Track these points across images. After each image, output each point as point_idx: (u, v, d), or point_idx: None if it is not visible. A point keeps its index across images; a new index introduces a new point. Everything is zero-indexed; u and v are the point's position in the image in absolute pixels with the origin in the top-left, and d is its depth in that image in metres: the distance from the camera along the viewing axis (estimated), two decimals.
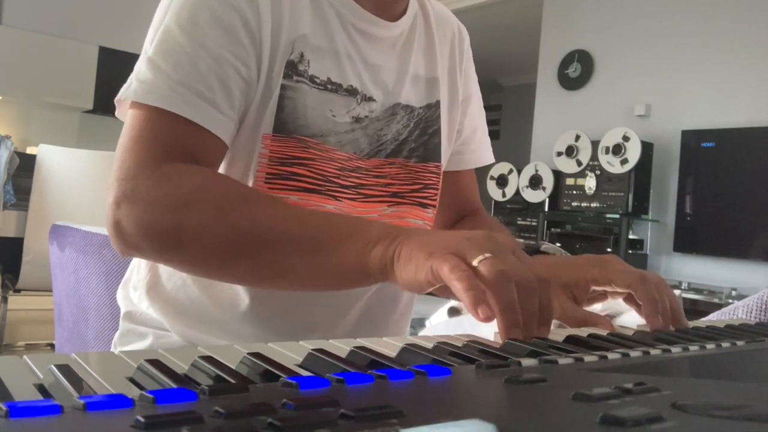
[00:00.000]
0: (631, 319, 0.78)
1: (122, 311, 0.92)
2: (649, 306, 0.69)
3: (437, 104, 0.93)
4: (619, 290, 0.74)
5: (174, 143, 0.71)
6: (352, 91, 0.83)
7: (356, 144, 0.84)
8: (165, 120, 0.71)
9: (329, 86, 0.81)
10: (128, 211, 0.68)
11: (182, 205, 0.67)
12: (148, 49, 0.74)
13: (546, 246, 0.82)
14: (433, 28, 0.94)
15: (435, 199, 0.93)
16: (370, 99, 0.85)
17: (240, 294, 0.82)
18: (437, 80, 0.93)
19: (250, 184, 0.79)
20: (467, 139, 1.02)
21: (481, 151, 1.05)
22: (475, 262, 0.54)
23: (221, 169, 0.80)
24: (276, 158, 0.78)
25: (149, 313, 0.87)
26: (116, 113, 0.78)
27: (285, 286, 0.71)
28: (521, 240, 4.52)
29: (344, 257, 0.63)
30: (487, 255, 0.54)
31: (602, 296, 0.78)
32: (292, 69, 0.78)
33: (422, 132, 0.91)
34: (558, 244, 4.40)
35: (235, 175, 0.79)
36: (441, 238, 0.59)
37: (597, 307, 0.78)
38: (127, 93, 0.72)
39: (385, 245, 0.61)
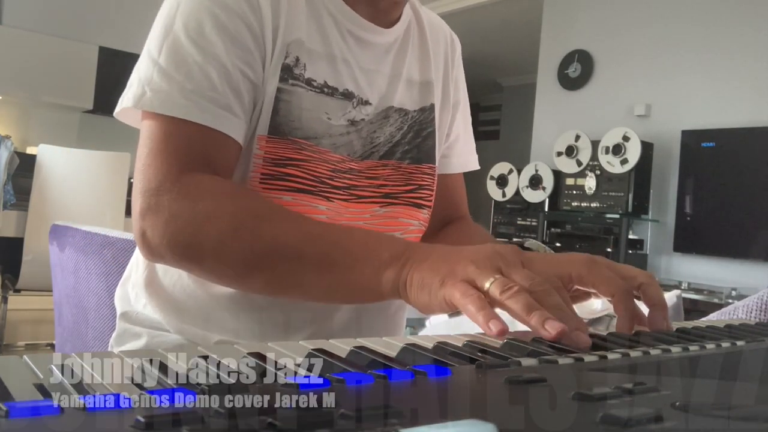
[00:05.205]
0: None
1: (119, 312, 0.93)
2: (627, 323, 0.64)
3: (431, 107, 0.94)
4: (602, 295, 0.72)
5: (192, 153, 0.74)
6: (347, 95, 0.85)
7: (350, 146, 0.85)
8: (182, 129, 0.73)
9: (326, 89, 0.83)
10: (152, 223, 0.71)
11: (201, 220, 0.70)
12: (155, 55, 0.75)
13: (530, 243, 0.82)
14: (427, 34, 0.96)
15: (430, 200, 0.95)
16: (366, 103, 0.87)
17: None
18: (431, 84, 0.95)
19: (246, 184, 0.80)
20: (453, 143, 1.03)
21: (466, 156, 1.06)
22: (486, 285, 0.56)
23: None
24: (270, 159, 0.80)
25: (146, 312, 0.88)
26: (116, 113, 0.79)
27: (299, 298, 0.75)
28: (516, 240, 4.53)
29: (356, 278, 0.66)
30: (497, 277, 0.56)
31: (585, 295, 0.75)
32: (287, 72, 0.80)
33: (416, 134, 0.92)
34: (558, 244, 4.41)
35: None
36: (450, 262, 0.61)
37: (597, 307, 0.78)
38: (143, 102, 0.74)
39: (396, 269, 0.64)
